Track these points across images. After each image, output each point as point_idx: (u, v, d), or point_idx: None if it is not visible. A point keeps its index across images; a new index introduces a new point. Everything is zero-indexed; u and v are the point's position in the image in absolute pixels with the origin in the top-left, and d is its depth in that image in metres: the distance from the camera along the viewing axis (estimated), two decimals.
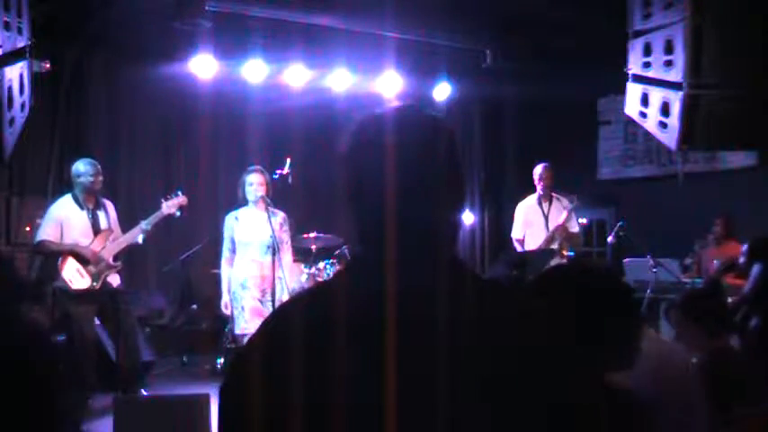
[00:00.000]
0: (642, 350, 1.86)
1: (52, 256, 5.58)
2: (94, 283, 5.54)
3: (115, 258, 5.71)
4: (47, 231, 5.55)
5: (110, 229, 5.73)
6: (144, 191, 7.79)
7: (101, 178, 5.70)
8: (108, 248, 5.65)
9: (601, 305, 1.79)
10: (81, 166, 5.64)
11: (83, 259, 5.54)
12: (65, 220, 5.58)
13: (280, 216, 5.86)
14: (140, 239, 5.83)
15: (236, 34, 7.17)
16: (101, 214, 5.72)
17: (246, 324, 5.57)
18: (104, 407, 5.30)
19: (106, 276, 5.64)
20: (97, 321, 5.96)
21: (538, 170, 6.73)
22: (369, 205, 1.13)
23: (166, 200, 5.86)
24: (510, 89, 8.55)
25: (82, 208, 5.63)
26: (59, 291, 5.54)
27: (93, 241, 5.61)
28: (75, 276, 5.52)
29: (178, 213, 5.91)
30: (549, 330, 1.12)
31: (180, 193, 5.91)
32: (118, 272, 5.79)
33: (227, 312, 5.73)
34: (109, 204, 5.87)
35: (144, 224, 5.75)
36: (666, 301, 6.81)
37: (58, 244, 5.53)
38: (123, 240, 5.75)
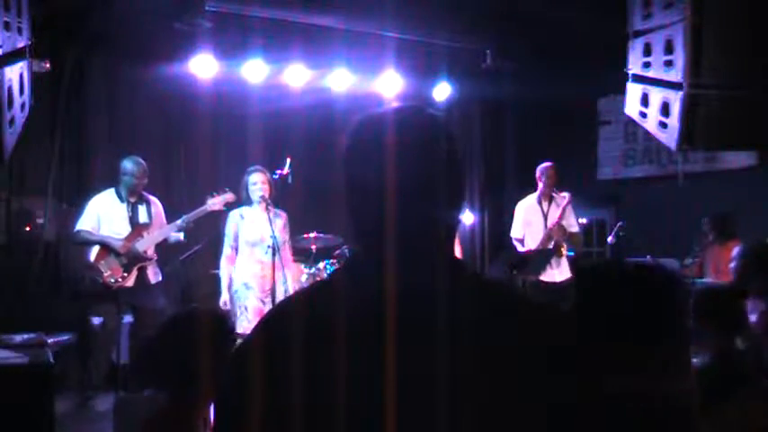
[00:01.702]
0: None
1: (86, 245, 5.78)
2: (125, 274, 5.65)
3: (156, 251, 5.88)
4: (84, 222, 5.78)
5: (149, 224, 5.84)
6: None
7: (146, 180, 5.91)
8: (143, 241, 5.78)
9: (661, 305, 1.73)
10: (128, 165, 5.83)
11: (114, 251, 5.65)
12: (103, 212, 5.79)
13: (283, 217, 5.89)
14: (181, 236, 5.92)
15: (236, 34, 7.16)
16: (141, 208, 5.88)
17: (249, 324, 5.57)
18: (104, 407, 5.32)
19: (140, 269, 5.77)
20: (130, 318, 6.04)
21: (541, 169, 6.70)
22: (368, 204, 1.13)
23: (212, 196, 5.90)
24: (510, 89, 8.55)
25: (122, 201, 5.83)
26: (91, 281, 5.68)
27: (129, 234, 5.74)
28: (106, 267, 5.67)
29: (226, 209, 5.96)
30: (550, 330, 1.12)
31: (228, 189, 5.94)
32: (159, 266, 5.97)
33: (228, 309, 5.72)
34: (154, 200, 6.03)
35: (180, 221, 5.83)
36: None
37: (93, 234, 5.72)
38: (159, 234, 5.87)
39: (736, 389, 2.47)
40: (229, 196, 5.93)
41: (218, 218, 6.07)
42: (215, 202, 5.88)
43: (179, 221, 5.86)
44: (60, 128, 7.21)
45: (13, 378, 4.06)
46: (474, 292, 1.12)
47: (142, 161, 5.88)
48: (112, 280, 5.62)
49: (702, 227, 6.88)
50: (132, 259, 5.70)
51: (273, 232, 5.58)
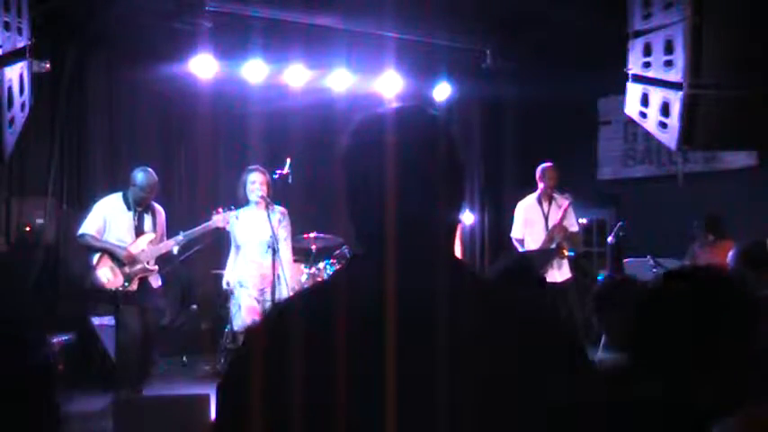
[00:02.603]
0: None
1: (90, 250, 5.71)
2: (126, 284, 5.63)
3: (156, 261, 5.82)
4: (90, 225, 5.71)
5: (153, 233, 5.81)
6: None
7: (154, 195, 5.83)
8: (147, 251, 5.75)
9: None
10: (140, 177, 5.74)
11: (118, 259, 5.62)
12: (109, 217, 5.72)
13: (278, 211, 5.87)
14: (175, 249, 5.91)
15: (236, 34, 7.16)
16: (147, 217, 5.84)
17: (243, 322, 5.62)
18: (104, 407, 5.31)
19: (142, 278, 5.74)
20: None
21: (542, 169, 6.70)
22: (369, 204, 1.13)
23: (218, 213, 5.87)
24: (510, 89, 8.55)
25: (129, 208, 5.77)
26: (92, 282, 5.66)
27: (133, 242, 5.69)
28: (108, 274, 5.63)
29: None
30: (549, 331, 1.12)
31: (233, 207, 5.91)
32: (160, 264, 5.92)
33: (230, 289, 5.76)
34: (159, 209, 5.97)
35: (182, 236, 5.85)
36: None
37: (98, 240, 5.67)
38: (163, 246, 5.85)
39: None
40: (235, 214, 5.91)
41: None
42: (219, 219, 5.86)
43: (181, 237, 5.83)
44: (60, 128, 7.21)
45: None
46: (474, 291, 1.12)
47: (154, 175, 5.78)
48: (113, 288, 5.60)
49: (693, 229, 6.84)
50: (134, 269, 5.67)
51: (273, 231, 5.59)
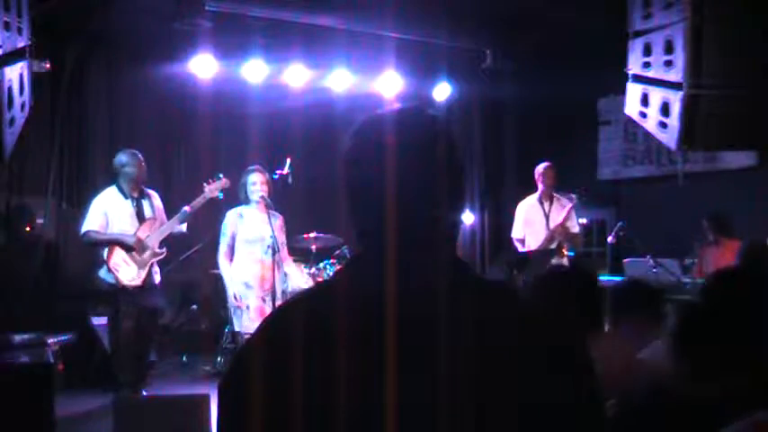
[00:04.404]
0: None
1: (98, 246, 5.68)
2: (141, 271, 5.62)
3: (160, 246, 5.82)
4: (91, 222, 5.68)
5: (154, 218, 5.82)
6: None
7: (145, 171, 5.83)
8: (152, 237, 5.74)
9: None
10: (124, 157, 5.77)
11: (128, 248, 5.62)
12: (109, 210, 5.71)
13: (279, 218, 5.90)
14: (184, 228, 5.91)
15: (236, 34, 7.16)
16: (145, 203, 5.85)
17: (251, 323, 5.55)
18: (104, 407, 5.32)
19: (152, 265, 5.73)
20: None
21: (540, 169, 6.71)
22: (369, 205, 1.13)
23: (209, 184, 5.91)
24: (510, 89, 8.55)
25: (126, 197, 5.77)
26: (103, 282, 5.64)
27: (138, 229, 5.69)
28: (121, 265, 5.62)
29: (221, 196, 5.95)
30: (549, 331, 1.12)
31: (221, 176, 5.96)
32: (160, 263, 5.91)
33: (240, 305, 5.65)
34: (153, 194, 5.99)
35: (181, 213, 5.83)
36: (669, 302, 6.78)
37: (104, 234, 5.65)
38: (166, 228, 5.84)
39: None
40: (224, 182, 5.93)
41: (218, 217, 6.06)
42: (211, 189, 5.89)
43: (180, 214, 5.84)
44: (60, 128, 7.21)
45: (13, 378, 4.06)
46: (474, 291, 1.12)
47: (137, 152, 5.81)
48: (127, 279, 5.58)
49: (703, 227, 6.85)
50: (145, 255, 5.67)
51: (273, 232, 5.58)
